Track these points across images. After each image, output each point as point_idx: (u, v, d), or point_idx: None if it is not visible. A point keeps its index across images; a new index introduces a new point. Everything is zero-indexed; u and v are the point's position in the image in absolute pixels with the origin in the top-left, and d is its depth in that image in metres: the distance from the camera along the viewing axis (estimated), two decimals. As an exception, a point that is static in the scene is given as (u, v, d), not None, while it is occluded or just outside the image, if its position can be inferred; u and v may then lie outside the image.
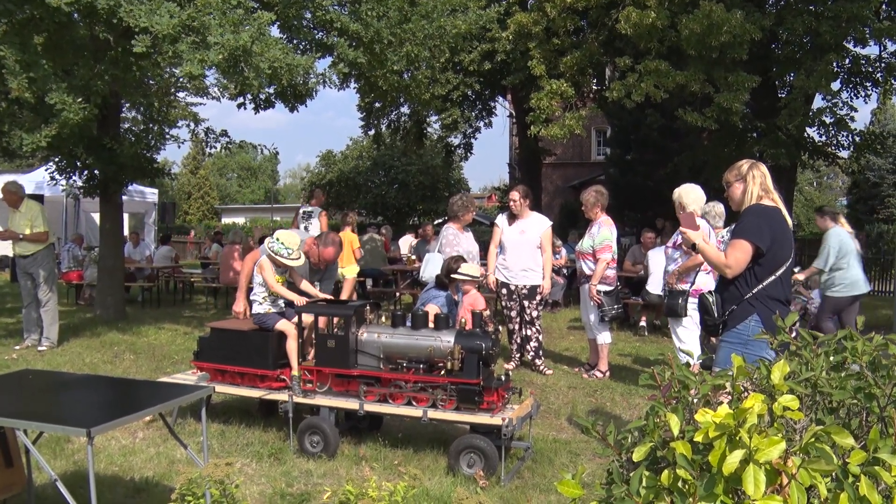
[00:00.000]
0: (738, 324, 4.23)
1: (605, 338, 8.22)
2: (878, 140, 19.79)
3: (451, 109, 20.18)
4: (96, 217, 15.28)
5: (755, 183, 4.35)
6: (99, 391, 4.41)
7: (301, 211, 12.35)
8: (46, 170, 12.82)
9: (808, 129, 17.54)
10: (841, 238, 8.99)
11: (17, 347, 9.36)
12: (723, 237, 5.08)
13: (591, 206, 8.13)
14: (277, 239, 6.04)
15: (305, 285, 6.46)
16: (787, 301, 4.31)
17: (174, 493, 3.07)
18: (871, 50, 17.89)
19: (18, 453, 4.16)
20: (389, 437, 5.72)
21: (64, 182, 12.15)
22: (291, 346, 5.84)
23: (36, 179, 18.15)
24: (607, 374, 8.17)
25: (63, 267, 15.09)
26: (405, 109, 22.62)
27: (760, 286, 4.20)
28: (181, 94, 16.46)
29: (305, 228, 11.92)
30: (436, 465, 5.14)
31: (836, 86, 16.84)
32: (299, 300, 6.03)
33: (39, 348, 9.25)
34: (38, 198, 14.96)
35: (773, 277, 4.22)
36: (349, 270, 12.51)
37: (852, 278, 8.81)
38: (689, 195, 7.33)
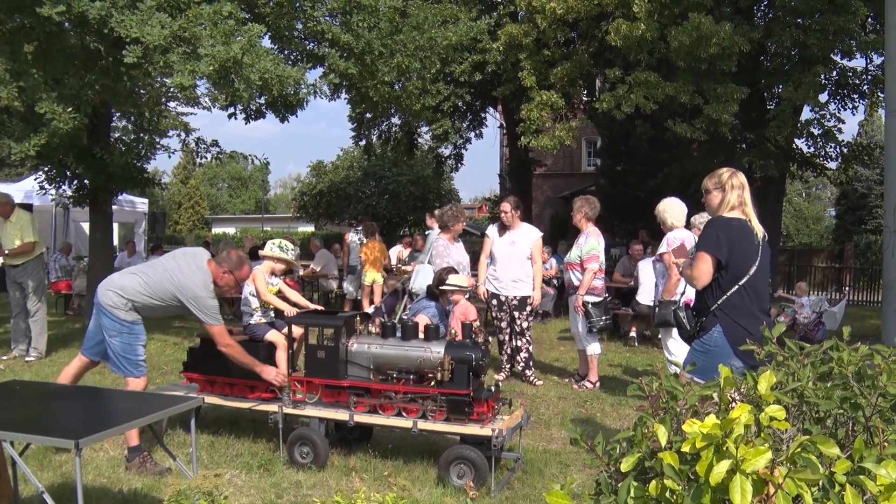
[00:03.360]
0: (704, 334, 4.44)
1: (594, 349, 8.23)
2: (866, 151, 19.96)
3: (441, 120, 20.19)
4: (86, 227, 15.22)
5: (733, 193, 4.47)
6: (87, 402, 4.39)
7: (354, 229, 13.87)
8: (36, 179, 12.78)
9: (796, 140, 17.67)
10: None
11: (5, 358, 9.30)
12: (692, 253, 5.21)
13: (576, 211, 8.14)
14: (274, 243, 6.29)
15: (296, 296, 6.47)
16: (757, 310, 4.43)
17: (162, 504, 3.06)
18: (858, 62, 18.15)
19: (5, 465, 4.13)
20: (379, 448, 5.71)
21: (53, 191, 12.11)
22: (281, 357, 5.84)
23: (25, 188, 18.07)
24: (597, 384, 8.18)
25: (52, 277, 15.02)
26: (396, 120, 22.61)
27: (724, 297, 4.37)
28: (172, 104, 16.48)
29: (360, 242, 13.25)
30: (426, 476, 5.14)
31: (823, 98, 17.00)
32: (290, 310, 6.03)
33: (27, 359, 9.20)
34: (28, 207, 14.90)
35: (736, 287, 4.36)
36: (379, 277, 12.85)
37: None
38: (671, 210, 7.40)
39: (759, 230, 4.48)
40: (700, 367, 4.19)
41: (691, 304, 4.75)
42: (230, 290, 5.69)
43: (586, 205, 8.17)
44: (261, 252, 6.43)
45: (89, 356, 5.56)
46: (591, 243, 8.01)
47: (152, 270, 5.38)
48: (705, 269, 4.39)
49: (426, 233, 12.10)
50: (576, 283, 8.14)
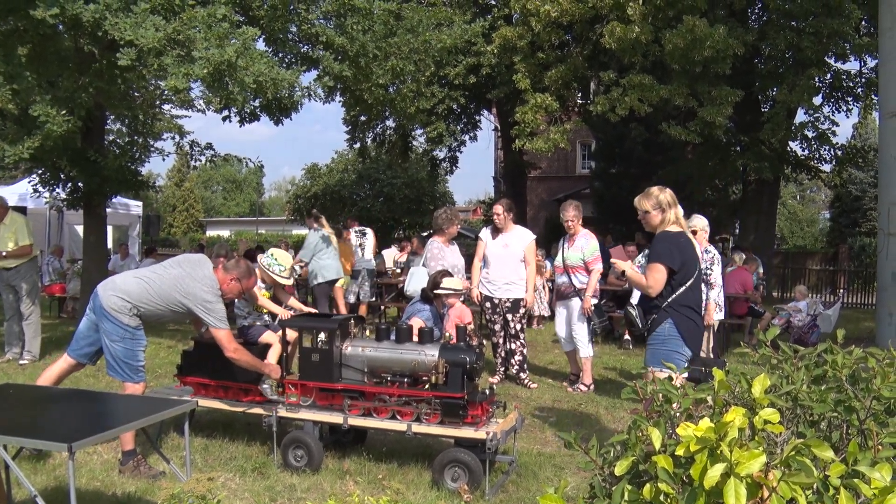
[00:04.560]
0: (657, 328, 5.16)
1: (587, 351, 8.24)
2: (860, 154, 20.05)
3: (436, 123, 20.19)
4: (80, 230, 15.19)
5: (671, 211, 5.21)
6: (81, 405, 4.38)
7: (354, 230, 13.55)
8: (30, 182, 12.73)
9: (790, 143, 17.73)
10: (319, 236, 11.51)
11: (-1, 361, 9.28)
12: (640, 262, 5.61)
13: (578, 219, 8.20)
14: (272, 255, 6.16)
15: (292, 301, 6.45)
16: (698, 306, 5.30)
17: (156, 508, 3.05)
18: (852, 65, 18.28)
19: (-2, 469, 4.12)
20: (373, 451, 5.70)
21: (47, 194, 12.08)
22: (272, 355, 5.82)
23: (19, 191, 18.03)
24: (591, 387, 8.18)
25: (45, 280, 14.98)
26: (390, 123, 22.60)
27: (673, 296, 5.10)
28: (166, 107, 16.44)
29: (360, 246, 13.17)
30: (420, 480, 5.13)
31: (817, 100, 17.05)
32: (284, 313, 6.02)
33: (21, 362, 9.16)
34: (22, 210, 14.85)
35: (683, 288, 5.11)
36: (347, 278, 12.83)
37: (328, 267, 11.32)
38: None
39: (692, 238, 5.37)
40: (656, 357, 5.02)
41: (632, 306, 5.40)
42: (233, 298, 5.68)
43: (578, 209, 8.25)
44: (259, 257, 6.43)
45: (76, 357, 5.47)
46: (592, 244, 8.13)
47: (156, 276, 5.33)
48: (660, 278, 5.08)
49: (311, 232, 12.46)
50: (579, 285, 8.15)
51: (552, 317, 13.63)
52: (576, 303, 8.21)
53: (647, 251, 5.55)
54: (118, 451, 5.35)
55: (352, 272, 13.07)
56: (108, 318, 5.16)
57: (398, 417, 5.24)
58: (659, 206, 5.20)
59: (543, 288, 13.18)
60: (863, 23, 16.14)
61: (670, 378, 2.38)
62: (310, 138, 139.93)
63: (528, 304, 8.32)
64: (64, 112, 8.58)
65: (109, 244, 18.24)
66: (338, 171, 35.35)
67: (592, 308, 8.02)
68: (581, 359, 8.32)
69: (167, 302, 5.27)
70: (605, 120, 16.72)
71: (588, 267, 8.10)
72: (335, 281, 11.52)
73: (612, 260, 5.63)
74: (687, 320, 5.14)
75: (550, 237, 23.82)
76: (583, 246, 8.12)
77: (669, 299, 5.08)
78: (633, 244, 13.39)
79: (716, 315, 8.32)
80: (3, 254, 9.00)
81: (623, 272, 5.49)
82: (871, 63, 16.70)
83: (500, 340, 8.39)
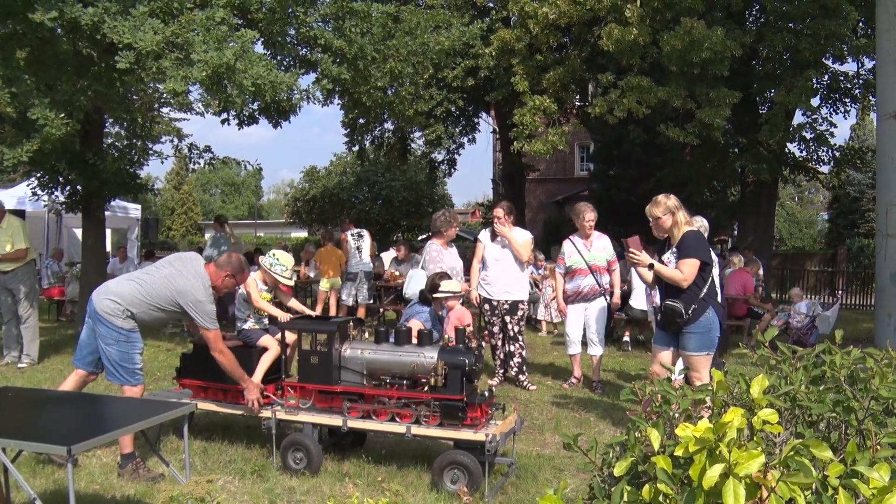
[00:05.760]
0: (700, 317, 5.58)
1: (602, 349, 8.53)
2: (858, 155, 20.05)
3: (434, 125, 20.18)
4: (79, 233, 15.18)
5: (679, 213, 5.71)
6: (80, 408, 4.37)
7: (351, 233, 13.36)
8: (28, 185, 12.71)
9: (788, 144, 17.74)
10: (218, 239, 13.08)
11: (-3, 364, 9.27)
12: (667, 259, 5.73)
13: (593, 219, 8.31)
14: (274, 255, 6.16)
15: (294, 303, 6.45)
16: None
17: (155, 511, 3.04)
18: (850, 67, 18.23)
19: (-3, 472, 4.11)
20: (373, 454, 5.70)
21: (46, 197, 12.07)
22: (265, 361, 5.81)
23: (18, 195, 18.03)
24: (581, 380, 8.51)
25: (44, 283, 14.96)
26: (389, 125, 22.61)
27: (707, 287, 5.64)
28: (165, 110, 16.44)
29: (358, 248, 13.05)
30: (419, 482, 5.13)
31: (815, 102, 17.05)
32: (283, 316, 6.02)
33: (19, 365, 9.16)
34: (20, 213, 14.84)
35: (710, 280, 5.70)
36: (325, 283, 12.83)
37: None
38: None
39: None
40: (705, 342, 5.57)
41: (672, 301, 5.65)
42: (229, 292, 5.69)
43: (595, 210, 8.39)
44: (260, 258, 6.43)
45: (82, 366, 5.45)
46: (610, 245, 8.40)
47: (149, 277, 5.34)
48: (695, 272, 5.55)
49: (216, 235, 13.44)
50: (606, 285, 8.32)
51: (549, 320, 13.67)
52: (600, 302, 8.31)
53: (674, 249, 5.77)
54: (117, 455, 5.34)
55: (349, 274, 13.05)
56: (102, 322, 5.17)
57: (397, 420, 5.24)
58: (668, 210, 5.69)
59: (541, 290, 13.17)
60: (860, 24, 16.16)
61: (669, 379, 2.38)
62: (308, 141, 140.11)
63: (500, 227, 8.21)
64: (62, 115, 8.57)
65: (108, 247, 18.23)
66: (336, 173, 35.36)
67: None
68: (593, 357, 8.45)
69: (160, 301, 5.27)
70: (604, 122, 16.71)
71: (610, 267, 8.32)
72: None
73: (631, 251, 5.78)
74: (719, 307, 5.88)
75: (549, 239, 23.81)
76: (605, 246, 8.30)
77: (704, 290, 5.60)
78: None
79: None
80: None
81: (651, 265, 5.72)
82: (868, 64, 16.73)
83: (499, 342, 8.39)
